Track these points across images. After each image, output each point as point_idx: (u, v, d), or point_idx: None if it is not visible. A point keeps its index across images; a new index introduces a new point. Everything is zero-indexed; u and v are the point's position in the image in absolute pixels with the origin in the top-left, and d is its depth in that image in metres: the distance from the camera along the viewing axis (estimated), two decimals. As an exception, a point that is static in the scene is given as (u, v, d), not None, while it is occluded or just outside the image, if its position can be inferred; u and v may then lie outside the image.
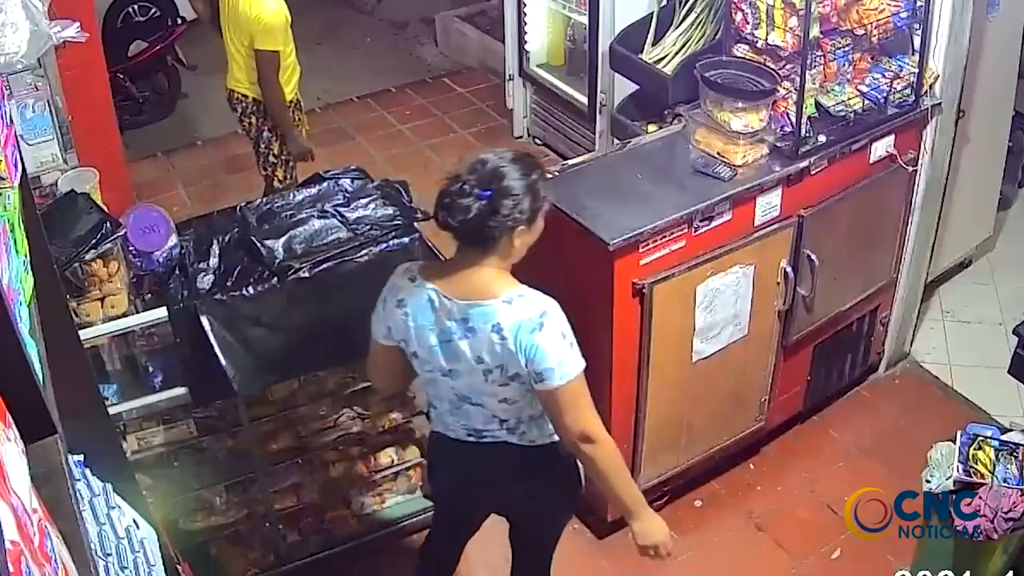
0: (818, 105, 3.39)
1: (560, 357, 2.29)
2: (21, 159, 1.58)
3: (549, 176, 2.37)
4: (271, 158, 4.55)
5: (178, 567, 2.57)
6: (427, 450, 2.91)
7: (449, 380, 2.43)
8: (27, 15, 1.45)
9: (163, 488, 3.21)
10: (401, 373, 2.57)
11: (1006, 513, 2.79)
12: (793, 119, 3.30)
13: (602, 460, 2.39)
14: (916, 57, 3.50)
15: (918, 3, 3.41)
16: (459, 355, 2.36)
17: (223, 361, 2.86)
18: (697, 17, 3.89)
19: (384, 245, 3.03)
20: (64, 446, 1.57)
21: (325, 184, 3.32)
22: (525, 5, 5.58)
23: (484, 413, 2.47)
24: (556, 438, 2.50)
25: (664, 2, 4.01)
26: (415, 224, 3.15)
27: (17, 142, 1.57)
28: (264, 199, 3.31)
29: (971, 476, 2.90)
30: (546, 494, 2.68)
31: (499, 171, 2.27)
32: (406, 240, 3.06)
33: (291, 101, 4.49)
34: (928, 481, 2.98)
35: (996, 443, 2.95)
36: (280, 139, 4.50)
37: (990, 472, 2.89)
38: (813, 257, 3.46)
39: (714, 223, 3.19)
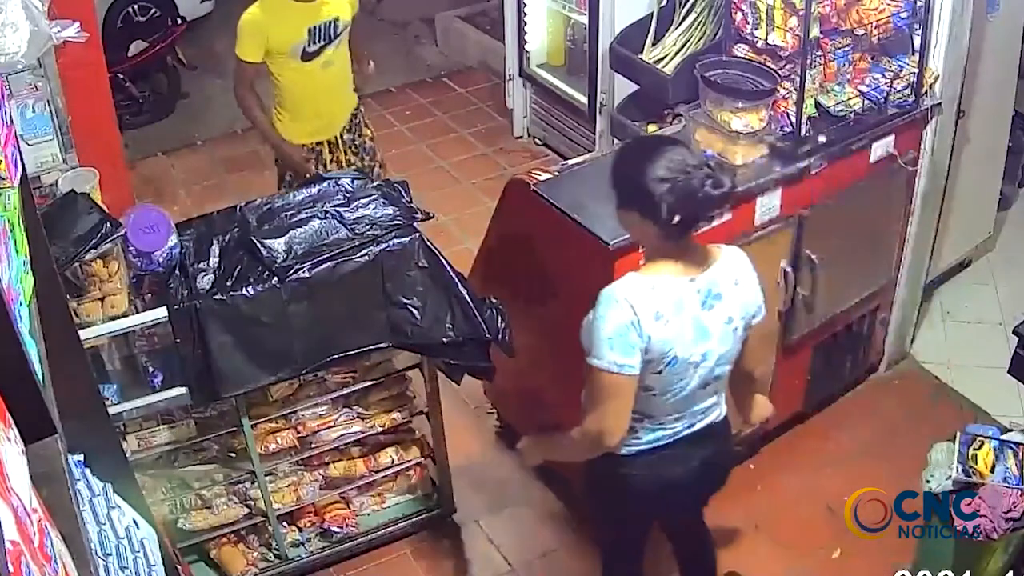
0: (818, 105, 3.39)
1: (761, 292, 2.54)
2: (21, 159, 1.58)
3: None
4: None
5: (178, 567, 2.57)
6: (627, 478, 2.60)
7: (700, 368, 2.43)
8: (27, 15, 1.45)
9: (163, 488, 3.21)
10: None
11: (1006, 513, 2.79)
12: (793, 119, 3.30)
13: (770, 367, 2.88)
14: (916, 57, 3.50)
15: (918, 3, 3.41)
16: (711, 329, 2.40)
17: (215, 364, 2.87)
18: (697, 17, 3.89)
19: (384, 245, 3.03)
20: (64, 446, 1.57)
21: (325, 184, 3.32)
22: (525, 5, 5.57)
23: (716, 387, 2.55)
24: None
25: (664, 2, 4.01)
26: (415, 224, 3.15)
27: (17, 142, 1.57)
28: (264, 198, 3.30)
29: (971, 476, 2.89)
30: (729, 458, 2.85)
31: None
32: (406, 240, 3.06)
33: (305, 146, 4.14)
34: (928, 481, 2.98)
35: (996, 443, 2.95)
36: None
37: (990, 472, 2.89)
38: (813, 257, 3.45)
39: (714, 223, 3.18)
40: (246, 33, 3.95)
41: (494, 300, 3.18)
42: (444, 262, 3.11)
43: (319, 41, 3.98)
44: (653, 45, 3.97)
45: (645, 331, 2.31)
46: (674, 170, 2.26)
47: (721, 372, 2.50)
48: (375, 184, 3.37)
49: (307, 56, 4.00)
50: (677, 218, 2.27)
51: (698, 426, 2.58)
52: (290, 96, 4.11)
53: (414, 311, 3.07)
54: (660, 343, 2.33)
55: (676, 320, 2.34)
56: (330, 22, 3.99)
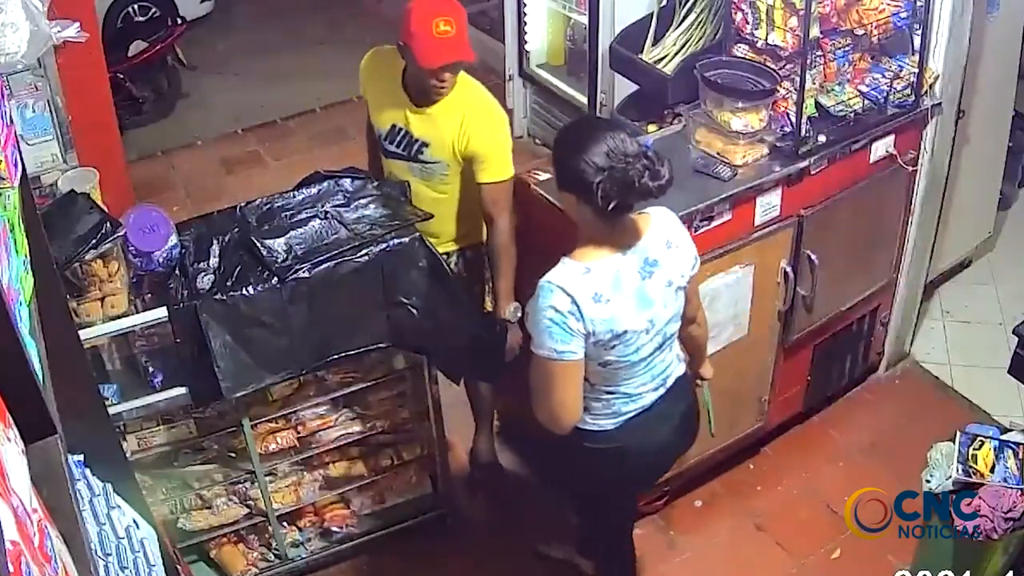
0: (818, 105, 3.39)
1: (693, 243, 2.60)
2: (21, 159, 1.58)
3: None
4: None
5: (178, 567, 2.57)
6: (603, 453, 2.65)
7: (651, 333, 2.48)
8: (27, 15, 1.45)
9: (163, 488, 3.21)
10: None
11: (1006, 513, 2.79)
12: (793, 119, 3.30)
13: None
14: (916, 57, 3.50)
15: (918, 3, 3.41)
16: (653, 296, 2.45)
17: (215, 364, 2.87)
18: (697, 17, 3.88)
19: (384, 245, 3.03)
20: (64, 446, 1.57)
21: (325, 184, 3.31)
22: (525, 5, 5.58)
23: (670, 344, 2.60)
24: None
25: (664, 2, 4.00)
26: (415, 224, 3.15)
27: (17, 142, 1.57)
28: (264, 198, 3.29)
29: (971, 476, 2.90)
30: (697, 408, 2.91)
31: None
32: (406, 240, 3.06)
33: None
34: (928, 481, 2.98)
35: (996, 443, 2.95)
36: None
37: (990, 472, 2.89)
38: (813, 257, 3.46)
39: (714, 223, 3.19)
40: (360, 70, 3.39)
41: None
42: (444, 262, 3.11)
43: (395, 146, 3.26)
44: (653, 45, 3.96)
45: (586, 315, 2.34)
46: (613, 159, 2.28)
47: (671, 330, 2.57)
48: (375, 184, 3.36)
49: (385, 152, 3.32)
50: (613, 204, 2.30)
51: (668, 384, 2.65)
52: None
53: (414, 311, 3.07)
54: (605, 322, 2.38)
55: (617, 297, 2.39)
56: (416, 140, 3.21)
